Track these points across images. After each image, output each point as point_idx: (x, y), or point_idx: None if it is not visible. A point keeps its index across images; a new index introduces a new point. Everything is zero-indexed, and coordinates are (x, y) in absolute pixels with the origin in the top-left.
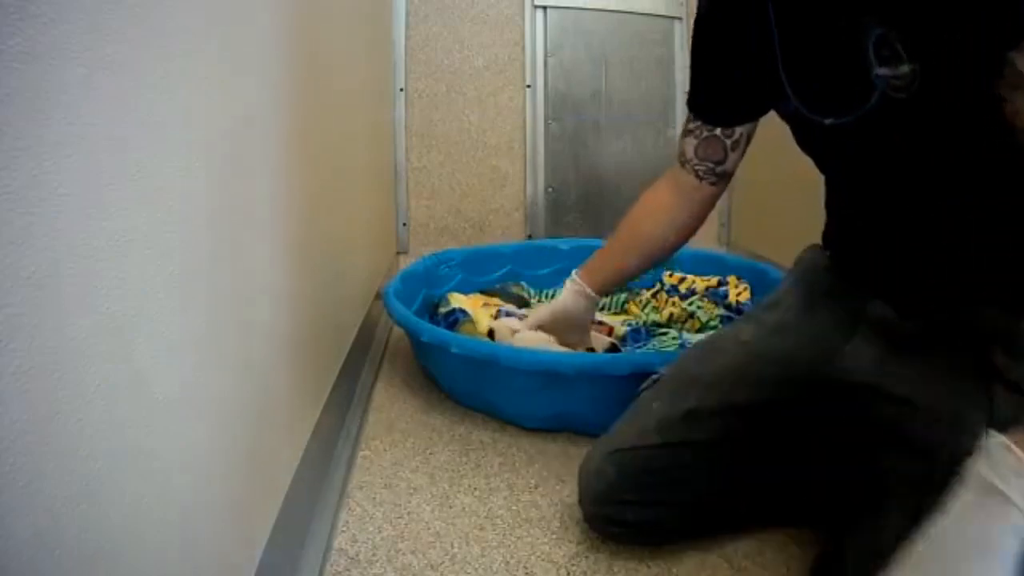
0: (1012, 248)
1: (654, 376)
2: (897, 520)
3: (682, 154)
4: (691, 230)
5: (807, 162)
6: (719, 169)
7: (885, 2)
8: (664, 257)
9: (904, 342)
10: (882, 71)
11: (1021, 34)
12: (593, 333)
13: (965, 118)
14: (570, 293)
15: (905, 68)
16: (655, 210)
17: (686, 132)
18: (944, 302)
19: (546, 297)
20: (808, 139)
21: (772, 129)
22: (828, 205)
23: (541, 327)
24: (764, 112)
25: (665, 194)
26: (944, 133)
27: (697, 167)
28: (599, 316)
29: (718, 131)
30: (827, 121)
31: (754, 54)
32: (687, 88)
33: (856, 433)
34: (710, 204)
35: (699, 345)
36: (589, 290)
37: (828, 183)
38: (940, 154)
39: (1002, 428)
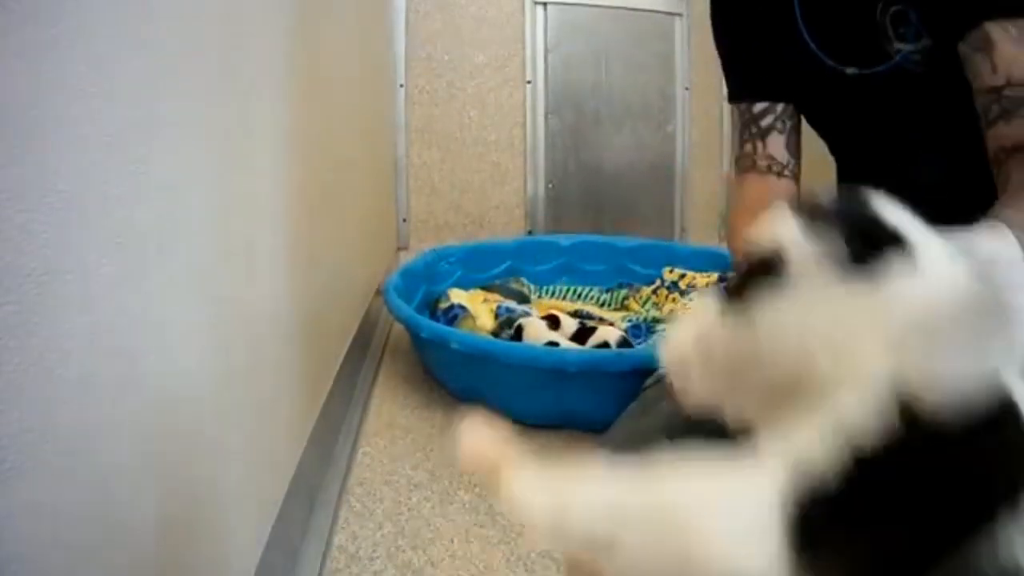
0: None
1: (659, 372)
2: None
3: (770, 159)
4: None
5: (808, 161)
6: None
7: None
8: None
9: None
10: (899, 46)
11: (1000, 8)
12: (603, 326)
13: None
14: None
15: (922, 44)
16: None
17: (763, 132)
18: None
19: (547, 293)
20: (823, 103)
21: None
22: (839, 180)
23: None
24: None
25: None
26: (957, 102)
27: (795, 168)
28: (599, 313)
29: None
30: (849, 70)
31: (775, 19)
32: (687, 84)
33: None
34: None
35: None
36: None
37: (838, 164)
38: (950, 124)
39: None
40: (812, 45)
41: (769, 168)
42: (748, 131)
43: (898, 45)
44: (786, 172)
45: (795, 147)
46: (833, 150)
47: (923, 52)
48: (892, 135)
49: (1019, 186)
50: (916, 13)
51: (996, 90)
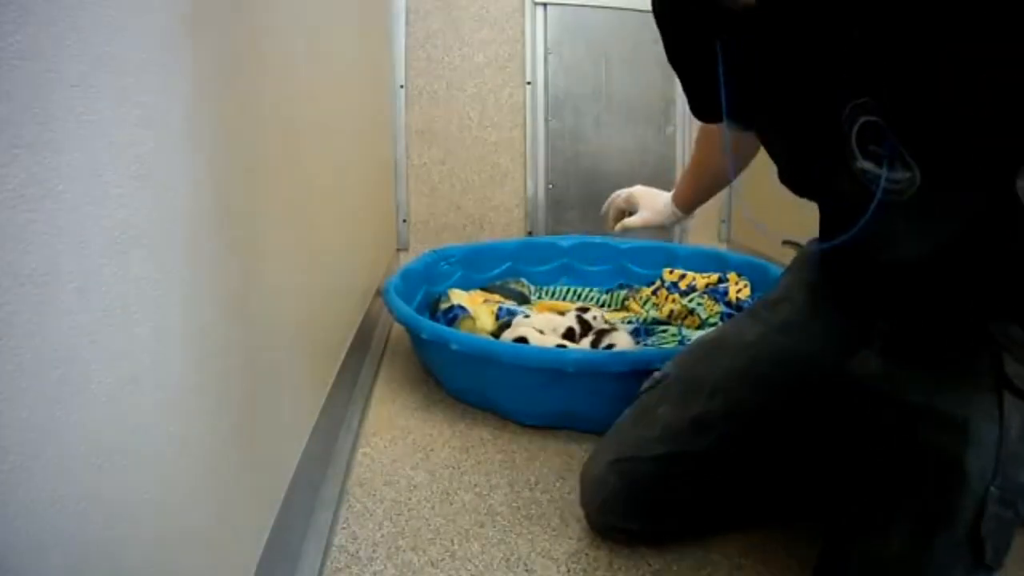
0: (1013, 268)
1: (656, 375)
2: (903, 529)
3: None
4: (750, 159)
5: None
6: None
7: (874, 83)
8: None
9: (915, 349)
10: (866, 166)
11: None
12: (621, 334)
13: (967, 208)
14: (666, 212)
15: (902, 174)
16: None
17: None
18: (950, 318)
19: (547, 294)
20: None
21: None
22: (821, 232)
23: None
24: None
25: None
26: (939, 222)
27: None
28: (599, 314)
29: None
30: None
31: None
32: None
33: (864, 439)
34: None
35: (703, 344)
36: (680, 212)
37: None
38: (938, 231)
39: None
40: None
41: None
42: None
43: (864, 164)
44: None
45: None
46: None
47: (908, 184)
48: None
49: None
50: (898, 138)
51: None
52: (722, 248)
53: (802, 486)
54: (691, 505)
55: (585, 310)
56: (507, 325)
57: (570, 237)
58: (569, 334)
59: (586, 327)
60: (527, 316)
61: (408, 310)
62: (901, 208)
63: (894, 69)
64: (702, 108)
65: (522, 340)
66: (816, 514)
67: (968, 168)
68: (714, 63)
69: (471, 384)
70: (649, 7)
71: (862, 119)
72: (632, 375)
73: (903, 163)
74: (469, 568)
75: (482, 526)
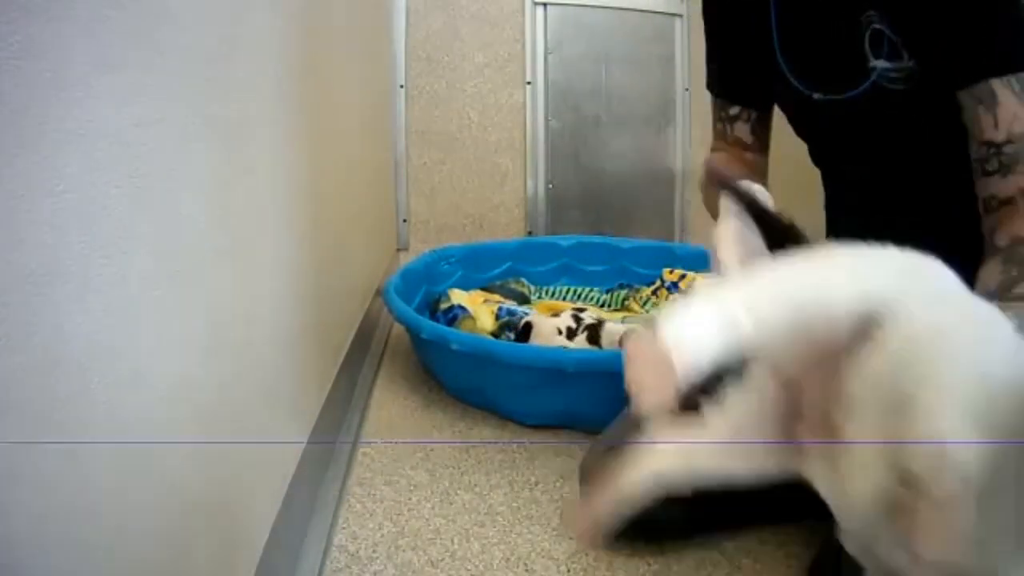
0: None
1: None
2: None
3: (739, 141)
4: None
5: (807, 162)
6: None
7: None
8: None
9: None
10: (878, 63)
11: (1005, 67)
12: (611, 325)
13: (955, 116)
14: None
15: (904, 64)
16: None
17: (731, 119)
18: None
19: (547, 294)
20: (802, 119)
21: (773, 129)
22: (826, 207)
23: None
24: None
25: (739, 170)
26: (935, 126)
27: (759, 143)
28: (598, 314)
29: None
30: (815, 95)
31: (754, 34)
32: (688, 85)
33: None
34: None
35: None
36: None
37: (824, 180)
38: (929, 143)
39: None
40: (783, 64)
41: (736, 143)
42: (719, 116)
43: (874, 62)
44: (750, 147)
45: (761, 127)
46: (814, 159)
47: (904, 72)
48: (868, 151)
49: (1006, 245)
50: (900, 39)
51: (996, 144)
52: None
53: (801, 483)
54: (690, 495)
55: (582, 310)
56: (507, 325)
57: (570, 237)
58: (568, 333)
59: (580, 324)
60: (528, 315)
61: (408, 310)
62: (899, 95)
63: None
64: (727, 79)
65: (528, 326)
66: (816, 514)
67: (948, 64)
68: (752, 23)
69: (471, 384)
70: (648, 7)
71: (872, 27)
72: None
73: (902, 55)
74: (469, 568)
75: (482, 526)
